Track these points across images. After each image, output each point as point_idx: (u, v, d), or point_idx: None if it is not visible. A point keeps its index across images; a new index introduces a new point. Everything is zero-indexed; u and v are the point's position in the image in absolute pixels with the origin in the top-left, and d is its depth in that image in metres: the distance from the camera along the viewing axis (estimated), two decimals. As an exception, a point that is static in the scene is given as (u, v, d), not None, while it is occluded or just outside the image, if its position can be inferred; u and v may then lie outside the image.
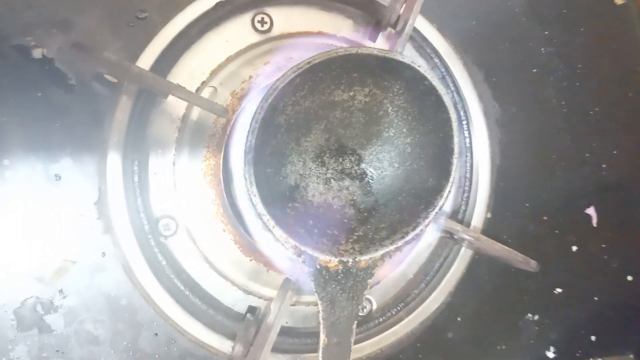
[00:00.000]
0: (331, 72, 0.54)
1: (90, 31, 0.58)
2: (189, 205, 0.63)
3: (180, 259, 0.63)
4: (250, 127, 0.49)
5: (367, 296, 0.69)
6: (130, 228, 0.58)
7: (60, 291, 0.57)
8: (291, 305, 0.66)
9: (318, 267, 0.53)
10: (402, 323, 0.67)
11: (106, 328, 0.58)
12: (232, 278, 0.64)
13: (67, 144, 0.57)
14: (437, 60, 0.70)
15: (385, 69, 0.54)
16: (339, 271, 0.53)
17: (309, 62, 0.49)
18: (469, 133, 0.71)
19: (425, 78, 0.52)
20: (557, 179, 0.76)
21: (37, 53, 0.57)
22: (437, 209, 0.55)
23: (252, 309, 0.65)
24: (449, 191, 0.55)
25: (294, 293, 0.59)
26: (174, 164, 0.62)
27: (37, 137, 0.57)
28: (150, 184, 0.61)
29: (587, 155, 0.77)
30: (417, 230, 0.54)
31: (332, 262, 0.53)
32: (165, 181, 0.62)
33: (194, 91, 0.62)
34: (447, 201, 0.64)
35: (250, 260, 0.65)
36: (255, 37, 0.65)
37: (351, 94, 0.58)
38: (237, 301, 0.65)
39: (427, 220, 0.55)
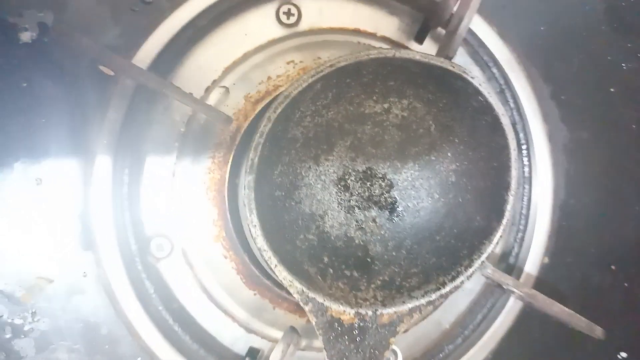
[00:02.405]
0: (361, 78, 0.45)
1: (88, 14, 0.52)
2: (187, 224, 0.54)
3: (172, 285, 0.55)
4: (253, 142, 0.39)
5: (392, 346, 0.59)
6: (116, 246, 0.52)
7: (33, 313, 0.51)
8: (300, 349, 0.56)
9: (329, 318, 0.43)
10: (431, 384, 0.59)
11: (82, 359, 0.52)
12: (232, 313, 0.56)
13: (51, 144, 0.51)
14: (495, 71, 0.61)
15: (429, 78, 0.46)
16: (355, 325, 0.45)
17: (331, 65, 0.39)
18: (529, 160, 0.62)
19: (479, 93, 0.43)
20: (631, 222, 0.66)
21: (25, 37, 0.50)
22: (483, 257, 0.46)
23: (252, 352, 0.56)
24: (500, 236, 0.44)
25: (297, 344, 0.49)
26: (173, 175, 0.54)
27: (18, 134, 0.51)
28: (143, 196, 0.54)
29: (672, 196, 0.67)
30: (457, 282, 0.46)
31: (347, 313, 0.44)
32: (162, 194, 0.54)
33: (203, 91, 0.54)
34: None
35: (255, 294, 0.56)
36: (280, 31, 0.57)
37: (386, 106, 0.49)
38: (236, 340, 0.57)
39: (469, 270, 0.46)
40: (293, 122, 0.45)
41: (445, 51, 0.48)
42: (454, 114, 0.47)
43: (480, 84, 0.41)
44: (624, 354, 0.65)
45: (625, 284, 0.65)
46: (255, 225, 0.41)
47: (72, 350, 0.52)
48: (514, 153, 0.43)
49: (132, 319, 0.52)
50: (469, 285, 0.61)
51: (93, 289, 0.52)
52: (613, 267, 0.65)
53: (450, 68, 0.41)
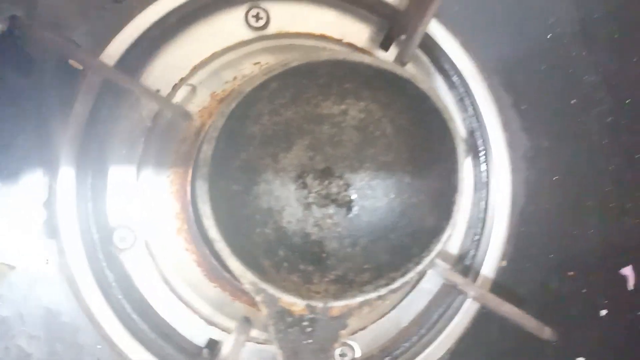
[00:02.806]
0: (317, 79, 0.46)
1: (57, 9, 0.53)
2: (150, 216, 0.55)
3: (134, 276, 0.56)
4: (206, 135, 0.40)
5: (350, 342, 0.60)
6: (79, 236, 0.52)
7: (-6, 299, 0.51)
8: (259, 343, 0.57)
9: (280, 309, 0.44)
10: (386, 381, 0.60)
11: (41, 347, 0.53)
12: (193, 305, 0.57)
13: (19, 133, 0.52)
14: (456, 79, 0.61)
15: (384, 82, 0.46)
16: (305, 317, 0.46)
17: (284, 65, 0.41)
18: (487, 166, 0.62)
19: (427, 97, 0.42)
20: (590, 229, 0.67)
21: (-6, 28, 0.51)
22: (432, 255, 0.47)
23: (212, 343, 0.57)
24: (449, 235, 0.46)
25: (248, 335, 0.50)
26: (138, 168, 0.55)
27: (-15, 123, 0.51)
28: (108, 188, 0.55)
29: (629, 205, 0.67)
30: (406, 278, 0.47)
31: (298, 305, 0.45)
32: (127, 187, 0.55)
33: (170, 88, 0.55)
34: (452, 243, 0.56)
35: (215, 287, 0.57)
36: (248, 34, 0.58)
37: (343, 107, 0.50)
38: (197, 332, 0.57)
39: (418, 267, 0.47)
40: (250, 120, 0.46)
41: (400, 57, 0.50)
42: (408, 116, 0.48)
43: (427, 89, 0.43)
44: (581, 359, 0.65)
45: (584, 290, 0.66)
46: (208, 217, 0.42)
47: (33, 337, 0.52)
48: (460, 156, 0.45)
49: (92, 307, 0.52)
50: (427, 286, 0.62)
51: (55, 277, 0.52)
52: (571, 273, 0.66)
53: (398, 72, 0.42)
